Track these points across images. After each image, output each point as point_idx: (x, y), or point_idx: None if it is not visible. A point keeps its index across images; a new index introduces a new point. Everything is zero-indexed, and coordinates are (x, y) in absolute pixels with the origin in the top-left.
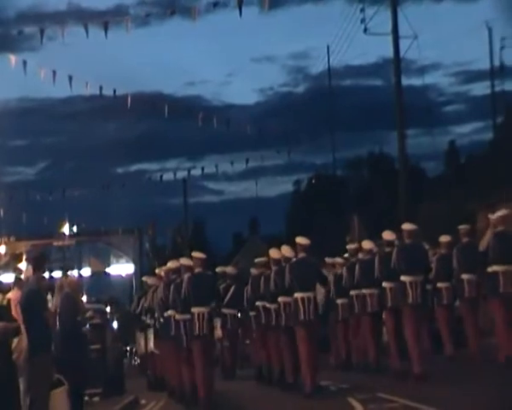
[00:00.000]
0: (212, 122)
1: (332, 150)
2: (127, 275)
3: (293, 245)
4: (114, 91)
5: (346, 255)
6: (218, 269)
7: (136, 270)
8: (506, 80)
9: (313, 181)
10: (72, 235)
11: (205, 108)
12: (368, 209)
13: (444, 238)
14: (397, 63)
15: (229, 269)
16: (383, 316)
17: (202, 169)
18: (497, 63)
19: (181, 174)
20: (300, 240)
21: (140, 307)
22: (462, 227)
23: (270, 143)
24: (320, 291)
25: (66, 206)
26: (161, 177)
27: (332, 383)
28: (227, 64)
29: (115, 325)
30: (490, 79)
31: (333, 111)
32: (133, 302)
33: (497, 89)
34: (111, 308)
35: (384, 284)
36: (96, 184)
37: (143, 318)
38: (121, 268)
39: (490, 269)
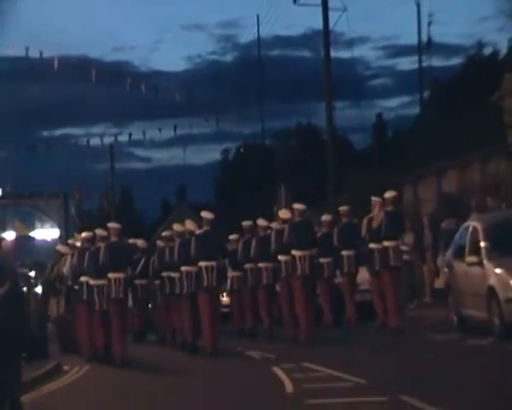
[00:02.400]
0: (139, 88)
1: (260, 120)
2: (52, 240)
3: (219, 213)
4: (41, 53)
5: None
6: (130, 241)
7: (61, 235)
8: (433, 56)
9: (241, 150)
10: None
11: (133, 74)
12: (296, 180)
13: (325, 217)
14: (326, 35)
15: (140, 242)
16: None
17: (129, 135)
18: (424, 39)
19: (108, 140)
20: (205, 214)
21: (53, 274)
22: (342, 208)
23: (198, 110)
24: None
25: None
26: (88, 142)
27: (258, 352)
28: (156, 30)
29: (39, 289)
30: (417, 54)
31: (262, 81)
32: (47, 269)
33: (425, 64)
34: (35, 273)
35: (279, 258)
36: (21, 147)
37: (57, 284)
38: (46, 233)
39: (383, 244)
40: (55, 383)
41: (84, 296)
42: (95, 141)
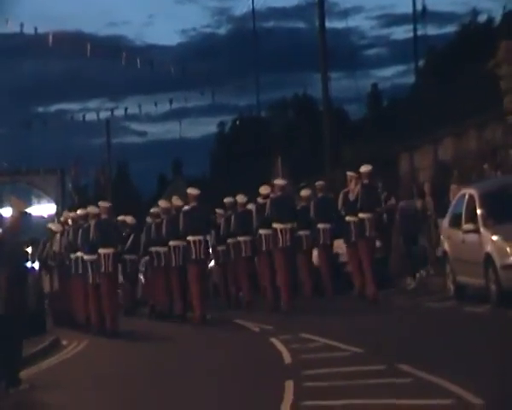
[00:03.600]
0: (134, 62)
1: (256, 92)
2: (49, 216)
3: (215, 186)
4: (36, 29)
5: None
6: (119, 218)
7: (58, 210)
8: (428, 24)
9: (237, 123)
10: None
11: (127, 49)
12: (292, 151)
13: (304, 192)
14: (320, 5)
15: (129, 219)
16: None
17: (125, 110)
18: (419, 7)
19: (103, 114)
20: (191, 190)
21: (45, 251)
22: (318, 183)
23: (193, 84)
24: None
25: None
26: (84, 117)
27: (255, 324)
28: (149, 5)
29: (36, 265)
30: (412, 22)
31: (257, 53)
32: (38, 247)
33: (419, 33)
34: (32, 249)
35: (260, 232)
36: (17, 124)
37: (49, 261)
38: (43, 209)
39: (359, 216)
40: (54, 358)
41: (80, 271)
42: (90, 116)
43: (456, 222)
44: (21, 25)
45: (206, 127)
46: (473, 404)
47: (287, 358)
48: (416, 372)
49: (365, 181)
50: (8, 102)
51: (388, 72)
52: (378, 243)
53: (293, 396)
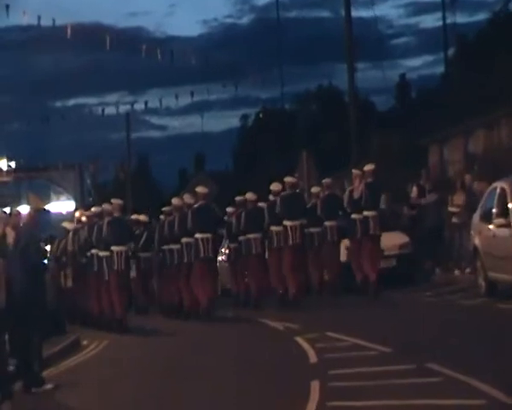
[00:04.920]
0: (155, 54)
1: (280, 84)
2: (68, 213)
3: (238, 181)
4: (53, 21)
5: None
6: (133, 217)
7: (77, 207)
8: (457, 12)
9: (260, 116)
10: (9, 171)
11: (147, 40)
12: (317, 145)
13: (314, 189)
14: None
15: (142, 217)
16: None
17: (145, 103)
18: None
19: (123, 108)
20: (200, 189)
21: (60, 249)
22: (325, 181)
23: (215, 76)
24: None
25: (3, 141)
26: (103, 111)
27: (280, 322)
28: None
29: (53, 263)
30: (441, 10)
31: (280, 43)
32: (53, 245)
33: (449, 21)
34: (51, 247)
35: (271, 228)
36: (35, 118)
37: (63, 259)
38: (62, 205)
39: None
40: (74, 358)
41: (95, 268)
42: (110, 110)
43: (487, 217)
44: (38, 17)
45: (229, 121)
46: (505, 404)
47: (312, 357)
48: (446, 372)
49: (369, 180)
50: (25, 97)
51: (417, 62)
52: (406, 239)
53: (318, 396)
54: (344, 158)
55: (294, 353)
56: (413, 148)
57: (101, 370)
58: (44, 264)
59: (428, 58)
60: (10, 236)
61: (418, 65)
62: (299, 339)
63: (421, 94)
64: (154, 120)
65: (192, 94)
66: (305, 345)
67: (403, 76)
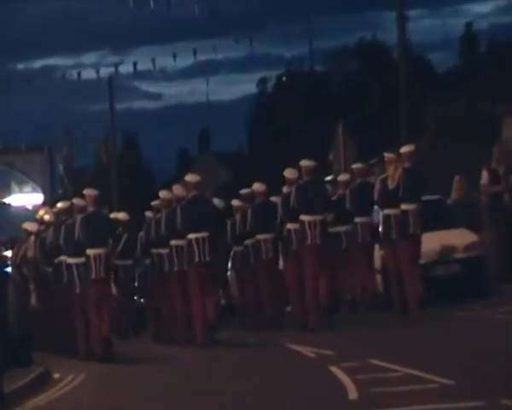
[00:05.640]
0: (146, 1)
1: (308, 38)
2: (34, 207)
3: (255, 163)
4: None
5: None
6: (111, 216)
7: (45, 200)
8: None
9: (284, 79)
10: None
11: None
12: (357, 115)
13: (342, 177)
14: None
15: (121, 215)
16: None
17: (134, 65)
18: None
19: (105, 72)
20: (190, 177)
21: (19, 257)
22: (355, 166)
23: (225, 28)
24: None
25: None
26: (79, 75)
27: (310, 348)
28: None
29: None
30: None
31: None
32: (14, 251)
33: None
34: (12, 253)
35: (288, 226)
36: None
37: (24, 270)
38: (26, 198)
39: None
40: (44, 395)
41: (65, 279)
42: (87, 74)
43: None
44: None
45: (242, 86)
46: None
47: (352, 392)
48: None
49: (407, 164)
50: None
51: (486, 7)
52: (474, 238)
53: None
54: (392, 132)
55: (329, 387)
56: (482, 118)
57: None
58: (6, 273)
59: (501, 2)
60: None
61: (488, 11)
62: (334, 369)
63: (492, 48)
64: (146, 86)
65: (195, 52)
66: (343, 376)
67: (469, 26)
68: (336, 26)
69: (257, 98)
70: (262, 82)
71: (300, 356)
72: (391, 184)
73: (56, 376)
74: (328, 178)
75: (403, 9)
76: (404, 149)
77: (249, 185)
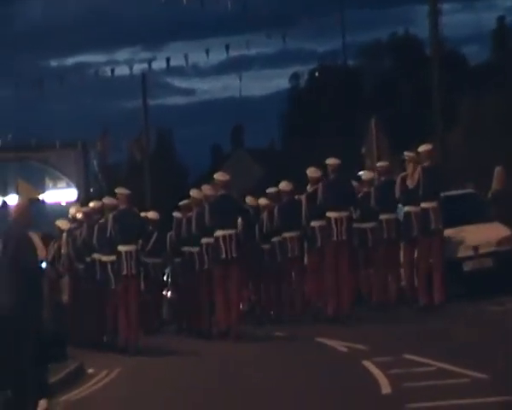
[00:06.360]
0: None
1: (341, 33)
2: (68, 203)
3: (287, 159)
4: None
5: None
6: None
7: (79, 196)
8: None
9: (316, 74)
10: None
11: None
12: (390, 110)
13: (366, 175)
14: None
15: (151, 214)
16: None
17: (167, 61)
18: None
19: (138, 68)
20: (219, 176)
21: (52, 254)
22: (380, 164)
23: (257, 24)
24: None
25: None
26: (112, 71)
27: (342, 342)
28: None
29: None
30: None
31: None
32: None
33: None
34: (46, 249)
35: (312, 224)
36: (24, 83)
37: (57, 266)
38: (60, 194)
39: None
40: (78, 390)
41: (98, 276)
42: (121, 70)
43: None
44: None
45: (275, 82)
46: None
47: (385, 387)
48: None
49: (426, 163)
50: (11, 55)
51: None
52: (507, 232)
53: None
54: (425, 127)
55: (362, 381)
56: None
57: (113, 406)
58: (41, 269)
59: None
60: None
61: None
62: (367, 363)
63: None
64: (178, 82)
65: (227, 48)
66: (376, 371)
67: (501, 19)
68: (369, 20)
69: (289, 93)
70: (294, 77)
71: (333, 350)
72: (410, 183)
73: (90, 371)
74: (361, 172)
75: (435, 2)
76: (423, 148)
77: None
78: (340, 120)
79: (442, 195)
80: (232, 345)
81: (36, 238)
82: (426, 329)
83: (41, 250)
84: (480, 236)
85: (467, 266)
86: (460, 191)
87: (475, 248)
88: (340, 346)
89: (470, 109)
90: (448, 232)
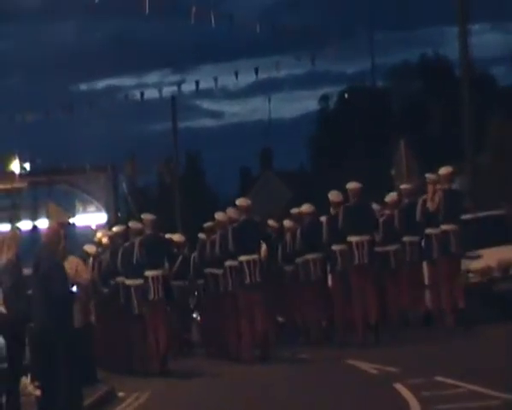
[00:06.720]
0: (207, 20)
1: (370, 54)
2: (98, 226)
3: (317, 181)
4: None
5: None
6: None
7: (109, 219)
8: None
9: (346, 96)
10: (23, 174)
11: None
12: (420, 131)
13: (389, 198)
14: None
15: (176, 237)
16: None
17: (196, 84)
18: None
19: (167, 91)
20: (241, 202)
21: None
22: (404, 187)
23: (286, 46)
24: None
25: (14, 136)
26: (141, 95)
27: (373, 364)
28: None
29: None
30: None
31: (370, 0)
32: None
33: None
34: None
35: (333, 247)
36: (54, 106)
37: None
38: (90, 218)
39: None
40: None
41: (121, 300)
42: (150, 93)
43: None
44: None
45: (304, 103)
46: None
47: (416, 409)
48: None
49: (446, 186)
50: (41, 79)
51: None
52: None
53: None
54: (455, 148)
55: (393, 404)
56: None
57: None
58: (72, 293)
59: None
60: (5, 256)
61: None
62: (399, 386)
63: None
64: (208, 104)
65: (256, 70)
66: (407, 393)
67: None
68: (398, 42)
69: (319, 115)
70: (324, 99)
71: (363, 373)
72: (431, 206)
73: (121, 394)
74: (392, 194)
75: (465, 24)
76: (443, 171)
77: (311, 203)
78: (369, 142)
79: (473, 216)
80: (260, 368)
81: (80, 263)
82: (455, 350)
83: (85, 273)
84: (511, 257)
85: (497, 288)
86: (490, 213)
87: (506, 269)
88: (370, 368)
89: (500, 131)
90: (480, 253)
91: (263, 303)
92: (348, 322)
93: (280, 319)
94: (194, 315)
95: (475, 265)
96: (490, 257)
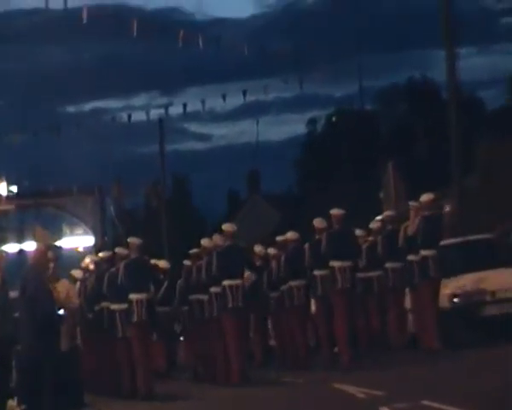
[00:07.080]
0: (195, 42)
1: (358, 78)
2: (85, 249)
3: (305, 205)
4: (65, 2)
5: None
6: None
7: (96, 242)
8: None
9: (333, 119)
10: (10, 197)
11: (185, 24)
12: (408, 154)
13: (373, 224)
14: None
15: (162, 263)
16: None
17: (183, 106)
18: None
19: (155, 113)
20: (226, 227)
21: None
22: (386, 214)
23: (274, 69)
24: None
25: (1, 158)
26: (129, 117)
27: (359, 388)
28: None
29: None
30: None
31: (358, 25)
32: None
33: None
34: None
35: (315, 273)
36: (42, 129)
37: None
38: (77, 240)
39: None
40: None
41: (105, 324)
42: (137, 116)
43: None
44: None
45: (293, 126)
46: None
47: None
48: None
49: (426, 213)
50: (29, 101)
51: None
52: None
53: None
54: (443, 171)
55: None
56: None
57: None
58: (59, 315)
59: None
60: None
61: None
62: None
63: None
64: (195, 127)
65: (244, 93)
66: None
67: None
68: (385, 65)
69: (307, 138)
70: (312, 122)
71: (350, 396)
72: (410, 232)
73: None
74: (379, 217)
75: (452, 47)
76: (424, 198)
77: (298, 227)
78: (357, 164)
79: (462, 240)
80: (246, 391)
81: (71, 288)
82: (441, 373)
83: (75, 298)
84: (499, 281)
85: (487, 311)
86: (478, 237)
87: (494, 292)
88: (357, 392)
89: (488, 154)
90: (467, 277)
91: (247, 327)
92: (333, 345)
93: (272, 342)
94: (181, 338)
95: (461, 288)
96: (477, 281)
